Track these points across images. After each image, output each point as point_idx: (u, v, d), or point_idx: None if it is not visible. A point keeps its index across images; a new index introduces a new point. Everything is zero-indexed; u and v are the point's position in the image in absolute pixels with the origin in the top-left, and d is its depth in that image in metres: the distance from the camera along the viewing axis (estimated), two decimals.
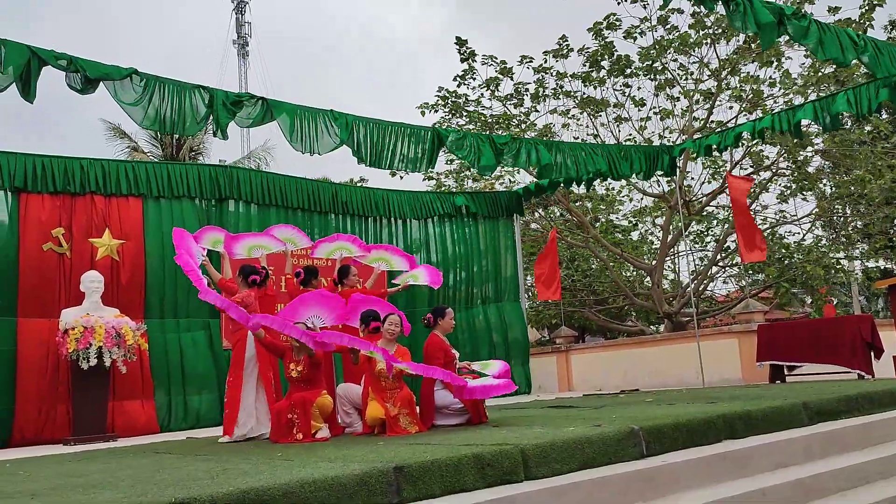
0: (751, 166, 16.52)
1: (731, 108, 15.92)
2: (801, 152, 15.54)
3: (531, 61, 15.71)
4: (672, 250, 18.31)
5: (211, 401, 9.87)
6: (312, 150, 9.36)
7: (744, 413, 5.06)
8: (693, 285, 17.40)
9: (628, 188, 18.93)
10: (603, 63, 15.58)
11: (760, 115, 14.02)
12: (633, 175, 12.64)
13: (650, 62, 15.26)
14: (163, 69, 9.51)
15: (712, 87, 15.51)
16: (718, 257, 17.56)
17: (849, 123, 15.42)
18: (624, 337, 19.51)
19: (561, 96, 16.01)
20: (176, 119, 8.31)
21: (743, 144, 14.01)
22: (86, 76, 7.56)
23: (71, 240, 9.48)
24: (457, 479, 3.58)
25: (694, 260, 19.43)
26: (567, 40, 15.48)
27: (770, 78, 15.17)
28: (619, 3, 15.13)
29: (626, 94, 15.99)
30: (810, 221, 16.98)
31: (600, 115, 16.17)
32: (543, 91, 15.92)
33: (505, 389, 6.04)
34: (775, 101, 15.20)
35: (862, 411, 5.87)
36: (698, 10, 14.67)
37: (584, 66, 15.65)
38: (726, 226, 17.37)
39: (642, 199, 19.20)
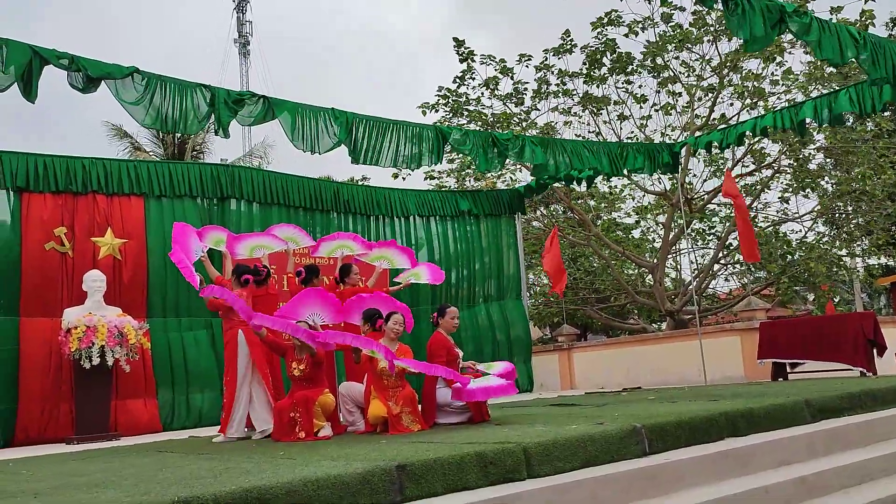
0: (752, 163, 16.51)
1: (731, 105, 15.92)
2: (803, 150, 15.53)
3: (530, 59, 15.70)
4: (674, 248, 18.30)
5: (213, 399, 9.87)
6: (313, 148, 9.36)
7: (746, 411, 5.05)
8: (695, 283, 17.38)
9: (630, 186, 18.92)
10: (604, 60, 15.56)
11: (762, 112, 14.01)
12: (633, 172, 12.66)
13: (652, 56, 15.23)
14: (163, 69, 9.54)
15: (714, 84, 15.49)
16: (720, 255, 17.54)
17: (851, 120, 15.40)
18: (626, 335, 19.51)
19: (561, 95, 16.00)
20: (177, 118, 8.31)
21: (745, 142, 13.99)
22: (87, 75, 7.56)
23: (73, 239, 9.49)
24: (459, 478, 3.58)
25: (696, 258, 19.42)
26: (570, 35, 15.47)
27: (772, 74, 15.15)
28: (621, 0, 15.14)
29: (628, 91, 15.98)
30: (812, 219, 16.96)
31: (601, 113, 16.15)
32: (547, 88, 15.90)
33: (504, 392, 5.99)
34: (778, 98, 15.18)
35: (865, 408, 5.86)
36: (700, 9, 14.66)
37: (585, 63, 15.63)
38: (728, 223, 17.35)
39: (644, 196, 19.20)
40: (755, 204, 17.14)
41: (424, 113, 16.08)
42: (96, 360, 8.34)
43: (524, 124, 16.15)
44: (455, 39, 15.69)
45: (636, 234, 20.57)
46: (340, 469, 3.41)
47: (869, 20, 13.73)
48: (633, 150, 12.68)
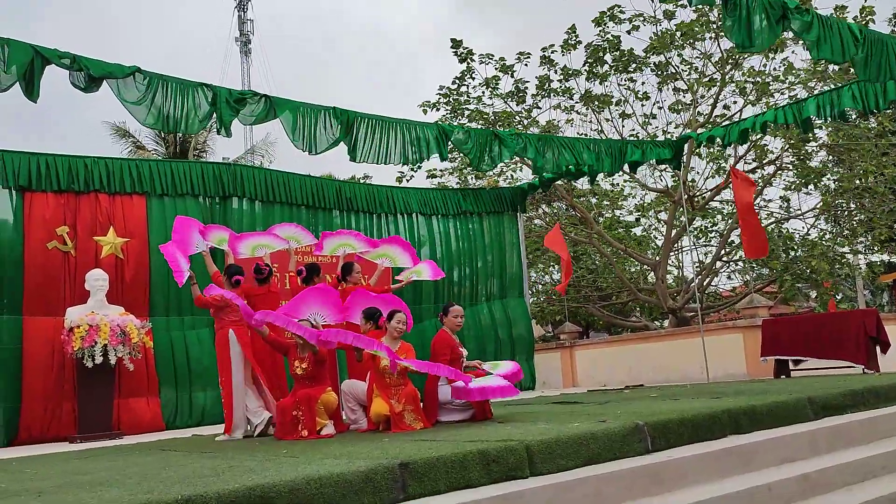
0: (754, 160, 16.48)
1: (735, 102, 15.90)
2: (806, 146, 15.50)
3: (529, 57, 15.67)
4: (676, 245, 18.28)
5: (216, 398, 9.85)
6: (313, 148, 9.35)
7: (749, 408, 5.05)
8: (697, 280, 17.37)
9: (631, 184, 18.91)
10: (606, 58, 15.54)
11: (765, 108, 13.99)
12: (633, 165, 12.68)
13: (654, 52, 15.20)
14: (163, 70, 9.59)
15: (716, 80, 15.47)
16: (722, 252, 17.53)
17: (853, 117, 15.38)
18: (628, 332, 19.50)
19: (562, 93, 15.98)
20: (179, 117, 8.32)
21: (748, 140, 13.98)
22: (89, 75, 7.57)
23: (75, 238, 9.50)
24: (462, 476, 3.58)
25: (698, 255, 19.40)
26: (576, 31, 15.43)
27: (774, 70, 15.13)
28: None
29: (630, 89, 15.97)
30: (814, 215, 16.94)
31: (603, 111, 16.14)
32: (549, 84, 15.88)
33: (503, 393, 5.95)
34: (781, 94, 15.15)
35: (868, 406, 5.85)
36: (701, 7, 14.63)
37: (588, 60, 15.60)
38: (730, 221, 17.34)
39: (645, 194, 19.19)
40: (757, 200, 17.11)
41: (425, 112, 16.07)
42: (99, 359, 8.36)
43: (526, 122, 16.13)
44: (453, 40, 15.66)
45: (637, 231, 20.58)
46: (343, 467, 3.41)
47: (869, 16, 13.69)
48: (631, 147, 12.69)
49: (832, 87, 12.70)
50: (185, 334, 10.07)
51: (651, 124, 16.36)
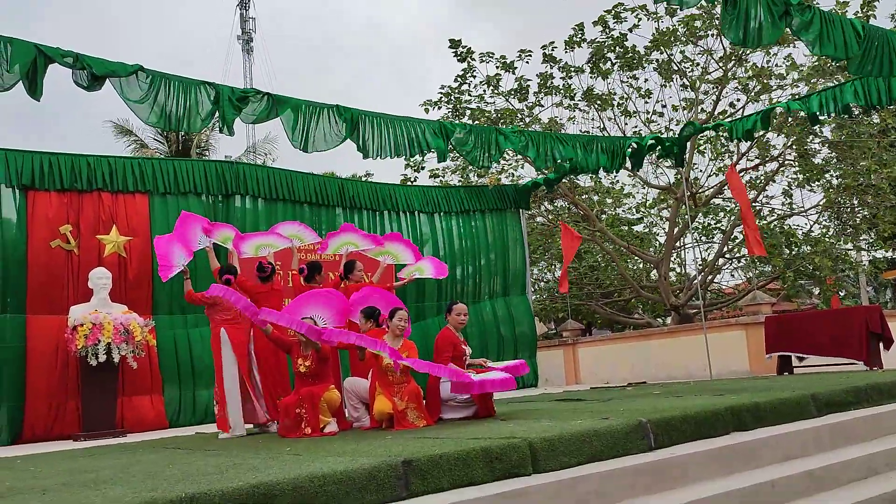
0: (756, 157, 16.46)
1: (738, 100, 15.87)
2: (808, 143, 15.47)
3: (530, 55, 15.65)
4: (678, 243, 18.27)
5: None
6: (315, 148, 9.32)
7: (752, 405, 5.05)
8: (700, 277, 17.36)
9: (633, 181, 18.90)
10: (609, 55, 15.51)
11: (767, 105, 13.96)
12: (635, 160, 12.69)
13: (656, 46, 15.17)
14: (164, 70, 9.62)
15: (719, 77, 15.44)
16: (725, 249, 17.51)
17: (857, 113, 15.33)
18: (631, 330, 19.48)
19: (563, 90, 15.95)
20: (182, 116, 8.32)
21: (753, 137, 13.95)
22: (92, 73, 7.58)
23: (78, 237, 9.51)
24: (465, 473, 3.58)
25: (701, 252, 19.38)
26: (583, 28, 15.40)
27: (776, 66, 15.10)
28: None
29: (633, 87, 15.94)
30: (817, 212, 16.91)
31: (606, 110, 16.11)
32: (551, 81, 15.85)
33: (504, 386, 5.96)
34: (783, 90, 15.12)
35: (871, 402, 5.85)
36: (704, 4, 14.60)
37: (591, 58, 15.57)
38: (732, 217, 17.31)
39: (648, 191, 19.16)
40: (760, 197, 17.10)
41: (427, 111, 16.05)
42: (102, 358, 8.38)
43: (527, 120, 16.11)
44: (451, 40, 15.62)
45: (639, 228, 20.54)
46: (346, 465, 3.42)
47: (870, 11, 13.65)
48: (630, 141, 12.72)
49: (835, 83, 12.68)
50: (188, 332, 10.08)
51: (655, 122, 16.33)
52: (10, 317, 9.03)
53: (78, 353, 8.42)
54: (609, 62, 15.59)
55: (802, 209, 16.96)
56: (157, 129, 22.53)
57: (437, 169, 17.90)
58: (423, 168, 16.83)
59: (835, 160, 16.23)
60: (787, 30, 8.20)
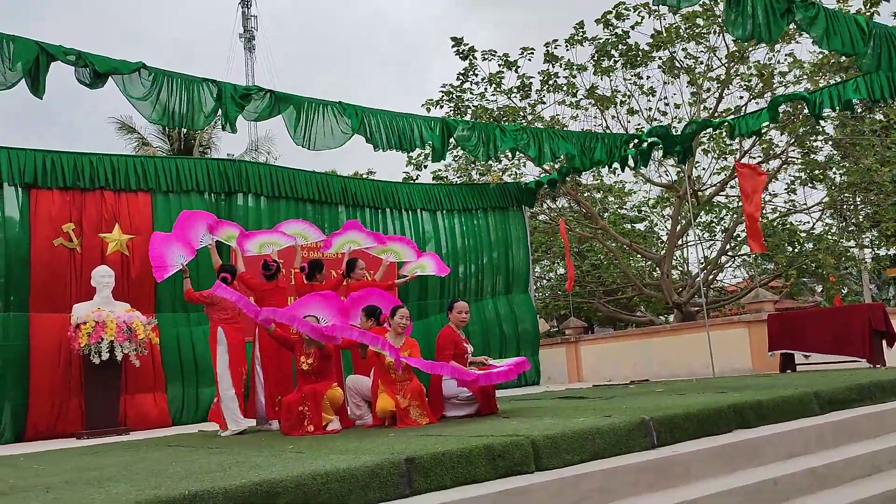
0: (760, 155, 16.43)
1: (740, 97, 15.83)
2: (811, 140, 15.45)
3: (533, 51, 15.63)
4: (681, 240, 18.25)
5: None
6: (316, 145, 9.31)
7: (755, 402, 5.04)
8: (702, 275, 17.34)
9: (635, 178, 18.86)
10: (613, 53, 15.49)
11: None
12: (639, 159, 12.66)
13: (659, 47, 15.15)
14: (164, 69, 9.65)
15: (721, 75, 15.42)
16: (727, 247, 17.49)
17: (859, 111, 15.30)
18: (633, 327, 19.47)
19: (566, 89, 15.93)
20: (185, 113, 8.31)
21: (761, 133, 13.92)
22: (94, 71, 7.57)
23: (81, 235, 9.52)
24: (468, 471, 3.58)
25: (703, 250, 19.36)
26: (584, 27, 15.38)
27: (779, 63, 15.07)
28: None
29: (637, 84, 15.91)
30: (820, 210, 16.89)
31: (609, 108, 16.09)
32: (555, 80, 15.83)
33: (507, 377, 6.02)
34: (786, 88, 15.09)
35: (874, 400, 5.84)
36: (706, 2, 14.57)
37: (594, 56, 15.56)
38: (735, 216, 17.29)
39: (650, 189, 19.14)
40: (763, 195, 17.06)
41: (429, 110, 16.04)
42: (105, 356, 8.40)
43: (530, 118, 16.09)
44: (453, 38, 15.60)
45: (641, 226, 20.50)
46: (349, 462, 3.42)
47: (874, 7, 13.61)
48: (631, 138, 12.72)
49: (840, 79, 12.65)
50: (191, 330, 10.09)
51: (658, 120, 16.30)
52: (14, 315, 9.05)
53: (81, 351, 8.43)
54: (612, 59, 15.57)
55: (805, 207, 16.94)
56: (159, 128, 22.57)
57: (440, 170, 17.91)
58: (425, 167, 16.82)
59: (837, 158, 16.21)
60: (791, 27, 8.18)
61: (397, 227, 12.52)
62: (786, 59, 15.00)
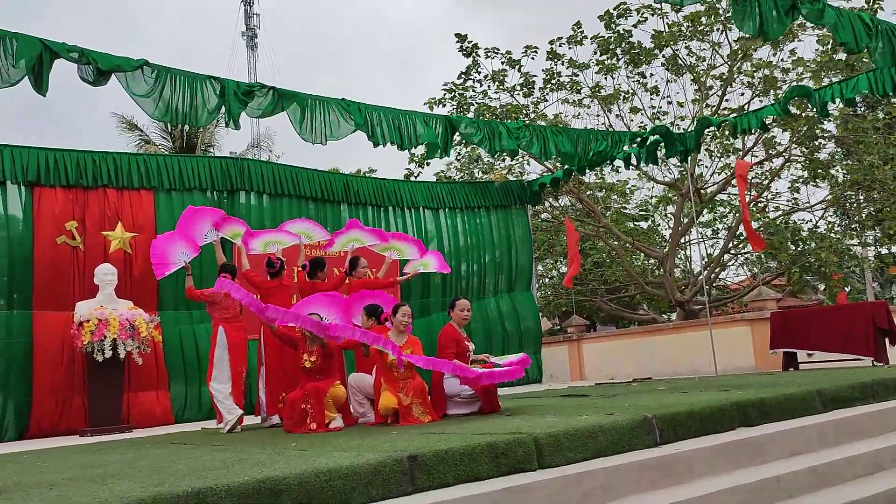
0: (763, 153, 16.40)
1: (742, 94, 15.81)
2: (815, 137, 15.42)
3: (536, 50, 15.61)
4: (683, 239, 18.24)
5: None
6: (324, 138, 9.33)
7: (757, 400, 5.04)
8: (705, 273, 17.32)
9: (638, 177, 18.85)
10: (616, 51, 15.47)
11: (773, 101, 13.91)
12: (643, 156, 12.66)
13: (661, 46, 15.13)
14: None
15: (724, 73, 15.39)
16: (730, 245, 17.47)
17: (862, 109, 15.26)
18: (636, 326, 19.46)
19: (569, 87, 15.91)
20: (188, 110, 8.31)
21: (766, 129, 13.89)
22: (98, 68, 7.57)
23: (84, 233, 9.54)
24: (471, 468, 3.59)
25: (706, 248, 19.34)
26: (581, 27, 15.37)
27: (782, 61, 15.05)
28: None
29: (640, 83, 15.89)
30: (823, 208, 16.86)
31: (612, 107, 16.07)
32: (559, 78, 15.81)
33: (511, 376, 6.01)
34: (787, 85, 15.06)
35: (877, 398, 5.84)
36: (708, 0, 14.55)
37: (596, 52, 15.54)
38: (738, 214, 17.26)
39: (653, 187, 19.12)
40: (765, 193, 17.05)
41: (431, 108, 16.03)
42: (108, 353, 8.41)
43: (532, 116, 16.08)
44: (457, 35, 15.59)
45: (644, 224, 20.48)
46: (352, 460, 3.43)
47: (877, 4, 13.58)
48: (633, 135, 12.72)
49: (842, 77, 12.61)
50: (193, 328, 10.11)
51: (661, 119, 16.28)
52: (17, 313, 9.07)
53: (84, 348, 8.45)
54: (616, 57, 15.55)
55: (808, 205, 16.91)
56: (161, 126, 22.58)
57: (441, 170, 17.92)
58: (427, 164, 16.82)
59: (840, 156, 16.18)
60: (795, 24, 8.19)
61: (399, 225, 12.52)
62: (789, 58, 14.99)
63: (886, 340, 9.42)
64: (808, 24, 13.91)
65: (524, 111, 15.95)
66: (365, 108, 9.74)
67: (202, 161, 10.97)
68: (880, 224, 16.38)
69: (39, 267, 9.20)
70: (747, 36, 14.36)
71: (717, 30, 14.98)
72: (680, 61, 15.49)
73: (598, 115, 16.35)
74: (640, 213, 20.18)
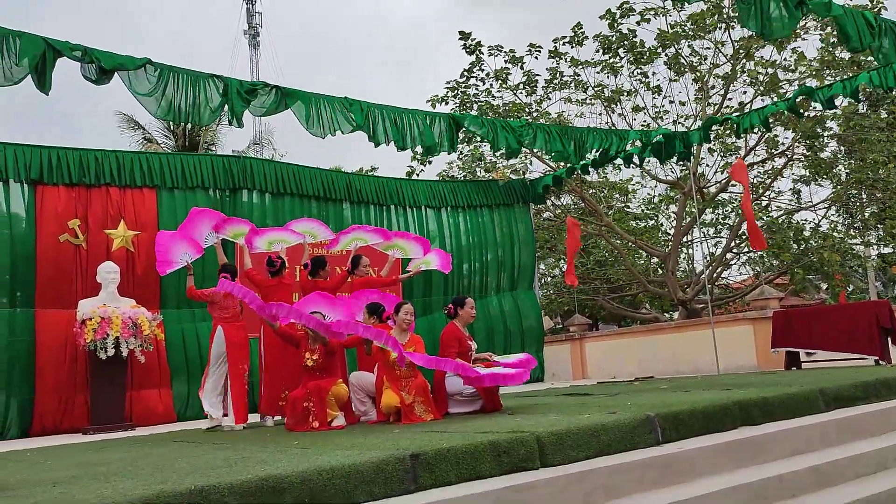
0: (765, 152, 16.39)
1: (744, 93, 15.79)
2: (817, 136, 15.39)
3: (539, 49, 15.60)
4: (686, 238, 18.22)
5: None
6: (329, 132, 9.34)
7: (760, 399, 5.03)
8: (707, 272, 17.31)
9: (640, 175, 18.83)
10: (619, 50, 15.45)
11: (776, 100, 13.89)
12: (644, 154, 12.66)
13: (664, 46, 15.12)
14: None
15: (727, 72, 15.37)
16: (733, 244, 17.46)
17: (864, 108, 15.24)
18: (638, 324, 19.44)
19: (571, 85, 15.90)
20: (190, 109, 8.33)
21: (770, 128, 13.87)
22: (100, 67, 7.58)
23: (87, 231, 9.55)
24: (473, 467, 3.59)
25: (708, 247, 19.32)
26: (582, 27, 15.36)
27: (785, 59, 15.02)
28: None
29: (642, 82, 15.88)
30: (826, 207, 16.84)
31: (615, 106, 16.06)
32: (561, 77, 15.80)
33: (516, 380, 5.98)
34: (790, 84, 15.04)
35: (879, 397, 5.82)
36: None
37: (598, 52, 15.53)
38: (740, 212, 17.25)
39: (655, 186, 19.10)
40: (767, 193, 17.03)
41: (434, 106, 16.04)
42: (111, 352, 8.43)
43: (535, 114, 16.07)
44: (461, 33, 15.59)
45: (645, 223, 20.47)
46: (354, 458, 3.43)
47: (880, 3, 13.56)
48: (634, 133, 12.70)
49: (845, 76, 12.60)
50: (196, 326, 10.12)
51: (663, 119, 16.27)
52: (20, 311, 9.09)
53: (86, 347, 8.46)
54: (618, 56, 15.53)
55: (811, 204, 16.89)
56: (163, 125, 22.58)
57: (443, 170, 17.92)
58: (430, 162, 16.82)
59: (843, 155, 16.15)
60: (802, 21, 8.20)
61: (402, 223, 12.53)
62: (792, 56, 14.96)
63: (889, 339, 9.41)
64: (811, 26, 13.95)
65: (527, 109, 15.95)
66: (367, 106, 9.75)
67: (205, 159, 10.98)
68: (883, 223, 16.36)
69: (42, 265, 9.21)
70: (750, 35, 14.39)
71: (720, 28, 14.96)
72: (682, 60, 15.47)
73: (600, 114, 16.35)
74: (645, 212, 20.15)
